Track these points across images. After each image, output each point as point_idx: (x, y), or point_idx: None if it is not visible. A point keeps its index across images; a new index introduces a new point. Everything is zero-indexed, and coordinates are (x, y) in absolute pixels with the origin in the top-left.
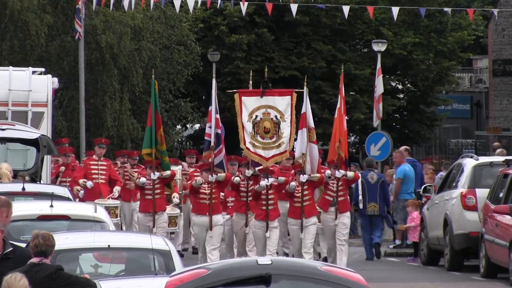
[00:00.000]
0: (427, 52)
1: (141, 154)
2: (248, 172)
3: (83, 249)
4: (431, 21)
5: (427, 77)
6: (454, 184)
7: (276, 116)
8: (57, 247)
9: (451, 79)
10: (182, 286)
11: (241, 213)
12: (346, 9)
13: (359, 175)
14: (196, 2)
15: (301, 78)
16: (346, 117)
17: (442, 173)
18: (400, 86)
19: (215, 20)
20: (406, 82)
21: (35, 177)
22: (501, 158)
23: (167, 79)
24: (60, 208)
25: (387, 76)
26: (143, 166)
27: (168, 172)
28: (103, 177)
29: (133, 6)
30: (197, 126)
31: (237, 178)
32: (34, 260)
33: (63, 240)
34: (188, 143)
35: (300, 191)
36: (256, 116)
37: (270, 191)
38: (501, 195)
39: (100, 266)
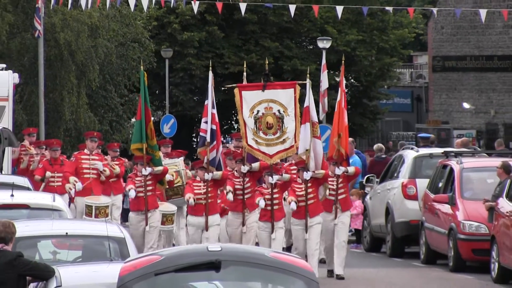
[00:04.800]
0: (370, 49)
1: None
2: (244, 168)
3: (42, 236)
4: (374, 19)
5: (370, 73)
6: (395, 175)
7: (279, 111)
8: (17, 235)
9: (392, 75)
10: (135, 272)
11: (237, 211)
12: (292, 8)
13: (360, 169)
14: (150, 1)
15: (251, 73)
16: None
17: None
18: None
19: (168, 18)
20: (350, 77)
21: None
22: (440, 150)
23: (123, 75)
24: (20, 197)
25: (332, 72)
26: (123, 159)
27: (160, 168)
28: (95, 171)
29: (89, 5)
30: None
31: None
32: None
33: (23, 228)
34: None
35: (304, 189)
36: (258, 111)
37: (275, 190)
38: (440, 185)
39: (58, 252)
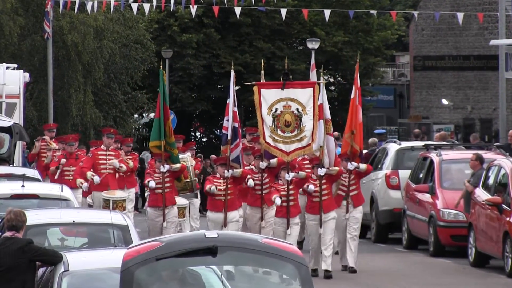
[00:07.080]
0: (356, 50)
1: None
2: (262, 165)
3: (50, 224)
4: (359, 22)
5: None
6: (379, 166)
7: (297, 109)
8: (27, 223)
9: (376, 73)
10: (138, 257)
11: (256, 206)
12: (283, 11)
13: (372, 167)
14: (151, 5)
15: (245, 72)
16: None
17: None
18: (331, 80)
19: (168, 21)
20: (337, 76)
21: (8, 160)
22: (421, 143)
23: (126, 74)
24: (30, 188)
25: (320, 71)
26: (136, 153)
27: (178, 165)
28: (111, 167)
29: (95, 9)
30: (152, 115)
31: (250, 182)
32: (8, 234)
33: (33, 216)
34: (144, 129)
35: (318, 185)
36: (276, 109)
37: (290, 187)
38: (421, 175)
39: (66, 239)
